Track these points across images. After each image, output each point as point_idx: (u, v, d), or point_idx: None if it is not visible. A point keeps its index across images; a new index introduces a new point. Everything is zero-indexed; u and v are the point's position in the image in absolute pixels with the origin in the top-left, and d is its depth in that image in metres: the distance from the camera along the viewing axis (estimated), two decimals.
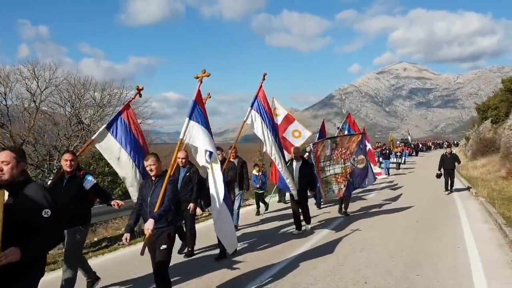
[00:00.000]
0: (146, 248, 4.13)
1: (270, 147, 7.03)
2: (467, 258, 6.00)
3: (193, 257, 6.47)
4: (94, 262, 6.45)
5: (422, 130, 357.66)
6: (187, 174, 6.44)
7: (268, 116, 7.21)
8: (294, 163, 7.93)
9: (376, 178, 13.11)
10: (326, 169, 8.37)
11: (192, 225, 6.69)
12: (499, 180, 15.01)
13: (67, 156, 4.76)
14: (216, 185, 5.03)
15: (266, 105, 7.30)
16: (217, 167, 5.10)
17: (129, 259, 6.36)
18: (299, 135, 10.48)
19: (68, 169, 4.71)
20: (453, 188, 13.69)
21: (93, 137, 5.80)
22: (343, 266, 5.72)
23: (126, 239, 4.15)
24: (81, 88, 18.70)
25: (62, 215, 4.50)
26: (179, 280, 5.22)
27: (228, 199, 5.37)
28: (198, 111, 5.13)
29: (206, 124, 5.15)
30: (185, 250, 6.59)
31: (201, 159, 5.33)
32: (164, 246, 4.16)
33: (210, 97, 7.82)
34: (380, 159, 21.54)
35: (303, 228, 8.01)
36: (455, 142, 71.58)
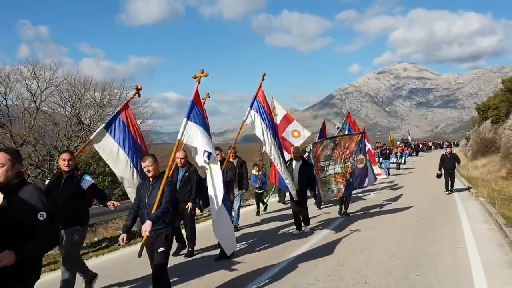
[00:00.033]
0: (144, 250, 4.10)
1: (269, 147, 7.02)
2: (467, 258, 6.00)
3: (193, 257, 6.47)
4: (95, 262, 6.45)
5: (422, 130, 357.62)
6: (186, 174, 6.43)
7: (267, 116, 7.20)
8: (294, 163, 7.91)
9: (377, 178, 13.13)
10: (325, 168, 8.35)
11: (192, 225, 6.69)
12: (499, 180, 15.00)
13: (65, 155, 4.73)
14: (215, 186, 5.01)
15: (265, 105, 7.28)
16: (216, 167, 5.08)
17: (129, 259, 6.35)
18: (299, 135, 10.47)
19: (66, 169, 4.68)
20: (454, 188, 13.67)
21: (91, 137, 5.76)
22: (343, 266, 5.72)
23: (123, 239, 4.12)
24: (81, 88, 18.72)
25: (59, 216, 4.50)
26: (179, 281, 5.22)
27: (227, 200, 5.36)
28: (196, 111, 5.10)
29: (204, 125, 5.12)
30: (182, 252, 6.56)
31: (200, 160, 5.33)
32: (162, 249, 4.13)
33: (209, 97, 7.81)
34: (381, 159, 21.53)
35: (302, 228, 8.01)
36: (455, 142, 71.57)
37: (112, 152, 5.67)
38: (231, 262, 6.02)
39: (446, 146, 17.89)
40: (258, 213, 10.48)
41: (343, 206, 9.90)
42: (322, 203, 11.12)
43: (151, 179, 4.32)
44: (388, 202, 11.98)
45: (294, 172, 7.76)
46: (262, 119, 7.04)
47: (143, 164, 4.31)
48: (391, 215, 9.88)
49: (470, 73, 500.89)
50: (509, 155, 18.49)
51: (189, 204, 6.31)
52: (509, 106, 23.50)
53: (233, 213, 8.60)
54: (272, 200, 12.90)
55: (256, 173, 11.02)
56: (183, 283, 5.17)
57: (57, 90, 17.97)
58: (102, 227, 10.93)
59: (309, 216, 8.24)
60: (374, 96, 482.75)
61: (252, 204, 11.85)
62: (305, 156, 9.66)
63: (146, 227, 3.92)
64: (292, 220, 8.26)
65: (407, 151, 32.36)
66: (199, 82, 5.43)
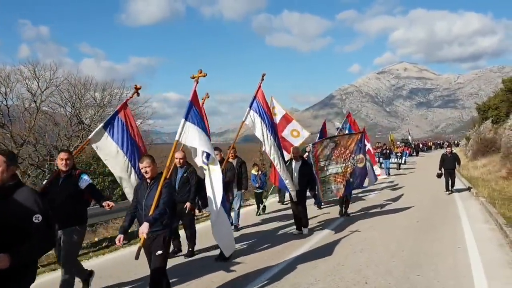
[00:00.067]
0: (142, 251, 4.06)
1: (269, 148, 6.99)
2: (467, 258, 6.00)
3: (193, 257, 6.47)
4: (95, 262, 6.46)
5: (422, 130, 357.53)
6: (185, 174, 6.40)
7: (267, 116, 7.17)
8: (294, 163, 7.89)
9: (377, 178, 13.13)
10: (325, 168, 8.32)
11: (192, 225, 6.69)
12: (500, 180, 15.00)
13: (63, 155, 4.69)
14: (214, 188, 4.97)
15: (265, 105, 7.25)
16: (216, 168, 5.04)
17: (129, 259, 6.32)
18: (298, 135, 10.45)
19: (64, 168, 4.65)
20: (454, 188, 13.66)
21: (89, 137, 5.71)
22: (343, 266, 5.72)
23: (120, 240, 4.08)
24: (81, 88, 18.75)
25: (57, 215, 4.47)
26: (179, 281, 5.22)
27: (226, 202, 5.34)
28: (195, 112, 5.05)
29: (203, 126, 5.08)
30: (178, 254, 6.51)
31: (198, 161, 5.31)
32: (160, 252, 4.09)
33: (208, 97, 7.78)
34: (381, 159, 21.52)
35: (298, 233, 7.93)
36: (456, 142, 71.57)
37: (110, 152, 5.63)
38: (231, 262, 6.01)
39: (446, 146, 17.89)
40: (258, 213, 10.47)
41: (343, 207, 9.89)
42: (323, 203, 11.11)
43: (148, 180, 4.28)
44: (388, 202, 11.98)
45: (294, 172, 7.75)
46: (262, 119, 7.00)
47: (141, 165, 4.27)
48: (391, 215, 9.88)
49: (471, 73, 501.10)
50: (510, 155, 18.49)
51: (188, 204, 6.28)
52: (510, 106, 23.49)
53: (233, 213, 8.61)
54: (272, 200, 12.90)
55: (256, 173, 11.01)
56: (183, 283, 5.17)
57: (57, 90, 18.00)
58: (102, 227, 10.93)
59: (310, 216, 8.24)
60: (374, 96, 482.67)
61: (252, 204, 11.85)
62: (305, 156, 9.65)
63: (144, 229, 3.88)
64: (292, 220, 8.26)
65: (407, 151, 32.35)
66: (197, 82, 5.39)
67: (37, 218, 2.47)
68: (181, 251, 6.56)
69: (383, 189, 15.22)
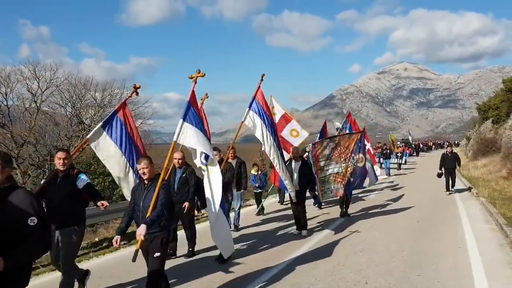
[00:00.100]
0: (140, 252, 4.03)
1: (268, 148, 6.95)
2: (468, 258, 5.99)
3: (193, 258, 6.46)
4: (95, 262, 6.46)
5: (423, 130, 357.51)
6: (184, 175, 6.36)
7: (267, 116, 7.13)
8: (293, 163, 7.86)
9: (378, 178, 13.12)
10: (325, 168, 8.29)
11: (191, 226, 6.68)
12: (500, 180, 15.00)
13: (60, 154, 4.65)
14: (213, 189, 4.94)
15: (264, 105, 7.22)
16: (214, 169, 5.00)
17: (130, 259, 6.25)
18: (297, 135, 10.44)
19: (62, 168, 4.61)
20: (454, 188, 13.64)
21: (88, 136, 5.67)
22: (343, 267, 5.72)
23: (117, 241, 4.02)
24: (82, 89, 18.75)
25: (55, 215, 4.44)
26: (179, 281, 5.22)
27: (225, 203, 5.31)
28: (193, 112, 5.01)
29: (201, 126, 5.03)
30: (172, 257, 6.41)
31: (198, 162, 5.29)
32: (157, 254, 4.05)
33: (207, 97, 7.76)
34: (381, 159, 21.51)
35: (298, 233, 7.91)
36: (456, 142, 71.56)
37: (109, 151, 5.58)
38: (231, 263, 6.01)
39: (446, 146, 17.89)
40: (257, 213, 10.47)
41: (344, 207, 9.87)
42: (323, 204, 11.11)
43: (146, 182, 4.24)
44: (389, 202, 11.97)
45: (293, 172, 7.73)
46: (262, 120, 6.96)
47: (138, 167, 4.23)
48: (392, 215, 9.87)
49: (471, 73, 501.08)
50: (510, 155, 18.48)
51: (186, 204, 6.24)
52: (510, 106, 23.47)
53: (234, 213, 8.62)
54: (273, 200, 12.90)
55: (255, 173, 11.01)
56: (183, 283, 5.17)
57: (57, 90, 18.00)
58: (102, 227, 10.94)
59: (310, 217, 8.23)
60: (374, 96, 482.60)
61: (252, 204, 11.84)
62: (304, 156, 9.65)
63: (141, 231, 3.84)
64: (292, 221, 8.26)
65: (407, 151, 32.35)
66: (196, 83, 5.35)
67: (33, 221, 2.43)
68: (175, 254, 6.45)
69: (384, 189, 15.21)
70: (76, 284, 4.83)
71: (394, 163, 24.21)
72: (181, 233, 6.93)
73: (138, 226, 4.03)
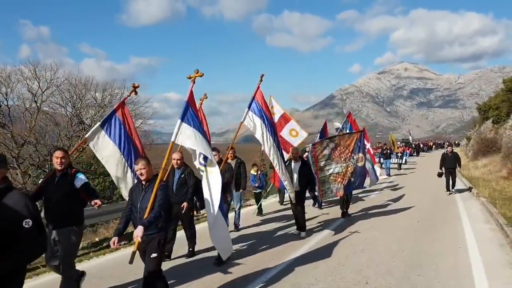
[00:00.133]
0: (138, 254, 4.02)
1: (268, 149, 6.92)
2: (468, 258, 6.00)
3: (193, 258, 6.46)
4: (96, 262, 6.46)
5: (423, 130, 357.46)
6: (182, 175, 6.33)
7: (266, 117, 7.11)
8: (293, 163, 7.83)
9: (378, 178, 13.12)
10: (325, 168, 8.26)
11: (191, 226, 6.66)
12: (500, 180, 14.99)
13: (58, 153, 4.61)
14: (211, 190, 4.92)
15: (264, 105, 7.20)
16: (213, 170, 4.97)
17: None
18: (297, 135, 10.44)
19: (59, 167, 4.57)
20: (455, 188, 13.61)
21: (86, 135, 5.63)
22: (344, 267, 5.72)
23: (114, 243, 4.01)
24: (82, 89, 18.72)
25: (53, 215, 4.41)
26: (179, 282, 5.22)
27: (224, 203, 5.28)
28: (191, 113, 4.98)
29: (199, 126, 4.99)
30: (168, 259, 6.30)
31: (197, 163, 5.27)
32: (154, 255, 4.03)
33: (206, 98, 7.73)
34: (381, 159, 21.49)
35: (298, 233, 7.88)
36: (456, 142, 71.51)
37: (107, 150, 5.55)
38: (231, 263, 6.01)
39: (447, 146, 17.89)
40: (257, 213, 10.45)
41: (344, 207, 9.85)
42: (323, 204, 11.10)
43: (144, 182, 4.21)
44: (389, 202, 11.97)
45: (293, 173, 7.70)
46: (262, 120, 6.94)
47: (136, 167, 4.20)
48: (392, 215, 9.87)
49: (471, 73, 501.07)
50: (510, 155, 18.47)
51: (185, 204, 6.20)
52: (510, 106, 23.46)
53: (234, 213, 8.61)
54: (273, 200, 12.90)
55: (255, 173, 11.00)
56: (184, 284, 5.17)
57: (58, 90, 17.97)
58: (103, 227, 10.93)
59: (310, 217, 8.22)
60: (375, 96, 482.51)
61: (252, 204, 11.84)
62: (304, 156, 9.65)
63: (138, 232, 3.81)
64: (292, 221, 8.25)
65: (408, 151, 32.35)
66: (194, 83, 5.33)
67: (27, 223, 2.39)
68: (169, 257, 6.32)
69: (384, 189, 15.21)
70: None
71: (394, 163, 24.21)
72: (181, 233, 6.92)
73: (135, 227, 3.99)
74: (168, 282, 5.00)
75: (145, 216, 3.98)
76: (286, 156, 8.51)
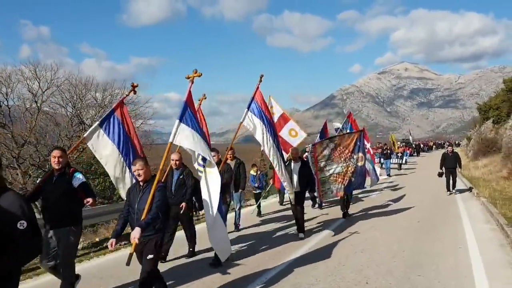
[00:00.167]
0: (135, 255, 4.00)
1: (268, 150, 6.90)
2: (468, 258, 5.99)
3: (194, 258, 6.46)
4: (96, 262, 6.47)
5: (423, 130, 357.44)
6: (181, 176, 6.29)
7: (266, 117, 7.09)
8: (293, 164, 7.79)
9: (379, 178, 13.12)
10: (325, 169, 8.25)
11: (191, 226, 6.65)
12: (501, 180, 14.98)
13: (56, 153, 4.58)
14: (210, 191, 4.90)
15: (263, 106, 7.18)
16: (212, 171, 4.95)
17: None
18: (296, 134, 10.43)
19: (57, 166, 4.55)
20: (456, 188, 13.58)
21: (84, 135, 5.58)
22: (344, 267, 5.72)
23: (112, 245, 3.97)
24: (82, 89, 18.72)
25: (51, 214, 4.39)
26: (180, 282, 5.22)
27: (223, 204, 5.26)
28: (189, 113, 4.94)
29: (197, 127, 4.96)
30: (163, 261, 6.24)
31: (195, 164, 5.25)
32: (150, 256, 4.00)
33: (205, 98, 7.72)
34: (381, 159, 21.48)
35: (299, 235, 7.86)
36: (457, 142, 71.50)
37: (106, 150, 5.52)
38: (231, 263, 6.00)
39: (447, 146, 17.89)
40: (257, 213, 10.44)
41: (344, 207, 9.83)
42: (323, 204, 11.09)
43: (141, 183, 4.16)
44: (389, 202, 11.97)
45: (293, 173, 7.66)
46: (262, 121, 6.91)
47: (133, 168, 4.17)
48: (392, 215, 9.86)
49: (472, 73, 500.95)
50: (511, 155, 18.45)
51: (183, 204, 6.18)
52: (511, 106, 23.46)
53: (234, 214, 8.61)
54: (273, 201, 12.90)
55: (254, 173, 11.00)
56: (184, 284, 5.17)
57: (58, 90, 17.97)
58: (103, 227, 10.94)
59: (310, 217, 8.21)
60: (375, 96, 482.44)
61: (252, 205, 11.83)
62: (304, 156, 9.65)
63: (135, 234, 3.78)
64: (292, 221, 8.24)
65: (408, 151, 32.34)
66: (192, 83, 5.29)
67: (22, 225, 2.35)
68: (165, 259, 6.28)
69: (384, 190, 15.20)
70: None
71: (394, 163, 24.21)
72: (181, 234, 6.92)
73: (132, 228, 3.97)
74: (169, 283, 5.01)
75: (142, 218, 3.95)
76: (286, 156, 8.49)
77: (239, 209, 8.72)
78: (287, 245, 7.12)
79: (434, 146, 61.74)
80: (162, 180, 5.03)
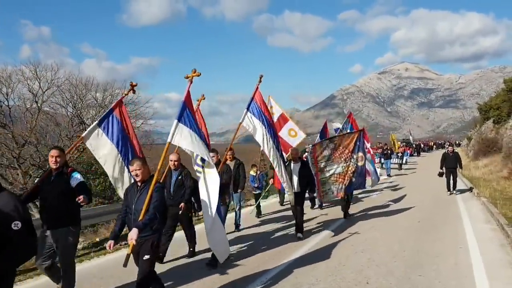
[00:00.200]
0: (132, 257, 4.00)
1: (268, 151, 6.88)
2: (469, 258, 5.99)
3: (194, 258, 6.46)
4: (96, 262, 6.47)
5: (424, 130, 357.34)
6: (179, 177, 6.27)
7: (266, 118, 7.07)
8: (292, 164, 7.75)
9: (379, 178, 13.11)
10: (325, 169, 8.23)
11: (190, 226, 6.64)
12: (501, 180, 14.97)
13: (53, 152, 4.57)
14: (209, 192, 4.89)
15: (263, 106, 7.17)
16: (211, 171, 4.93)
17: (131, 259, 6.32)
18: (295, 135, 10.44)
19: (54, 166, 4.53)
20: (456, 188, 13.54)
21: (83, 134, 5.56)
22: (344, 267, 5.71)
23: (110, 246, 3.96)
24: (83, 89, 18.72)
25: (49, 214, 4.36)
26: (180, 282, 5.21)
27: (222, 205, 5.24)
28: (188, 114, 4.92)
29: (195, 127, 4.93)
30: (160, 261, 6.18)
31: (195, 166, 5.24)
32: (147, 257, 3.99)
33: (204, 98, 7.72)
34: (382, 159, 21.46)
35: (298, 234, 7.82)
36: (457, 142, 71.46)
37: (105, 149, 5.50)
38: (231, 264, 6.00)
39: (447, 146, 17.89)
40: (256, 214, 10.42)
41: (345, 207, 9.81)
42: (324, 204, 11.09)
43: (139, 184, 4.14)
44: (390, 202, 11.96)
45: (293, 174, 7.63)
46: (261, 122, 6.90)
47: (131, 168, 4.14)
48: (393, 215, 9.85)
49: (472, 73, 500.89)
50: (511, 155, 18.44)
51: (182, 204, 6.16)
52: (511, 106, 23.44)
53: (234, 214, 8.60)
54: (273, 201, 12.89)
55: (254, 174, 10.98)
56: (184, 284, 5.16)
57: (58, 90, 17.97)
58: (103, 227, 10.94)
59: (310, 217, 8.20)
60: (375, 96, 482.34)
61: (253, 205, 11.82)
62: (304, 156, 9.63)
63: (133, 235, 3.75)
64: (292, 221, 8.23)
65: (408, 151, 32.33)
66: (191, 82, 5.27)
67: (16, 225, 2.35)
68: (162, 260, 6.22)
69: (384, 190, 15.18)
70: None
71: (395, 163, 24.20)
72: (181, 234, 6.92)
73: (130, 229, 3.95)
74: (169, 283, 5.02)
75: (140, 218, 3.92)
76: (285, 156, 8.48)
77: (239, 209, 8.71)
78: (287, 245, 7.11)
79: (434, 146, 61.72)
80: (161, 181, 5.02)
